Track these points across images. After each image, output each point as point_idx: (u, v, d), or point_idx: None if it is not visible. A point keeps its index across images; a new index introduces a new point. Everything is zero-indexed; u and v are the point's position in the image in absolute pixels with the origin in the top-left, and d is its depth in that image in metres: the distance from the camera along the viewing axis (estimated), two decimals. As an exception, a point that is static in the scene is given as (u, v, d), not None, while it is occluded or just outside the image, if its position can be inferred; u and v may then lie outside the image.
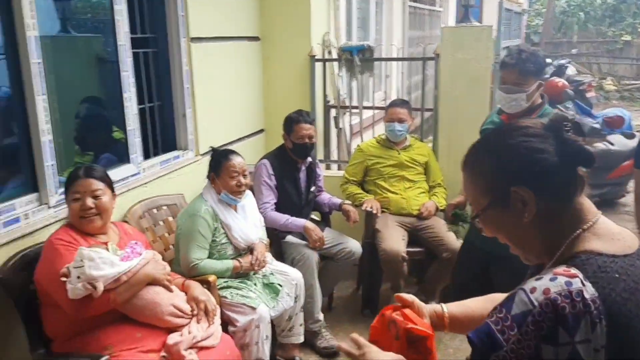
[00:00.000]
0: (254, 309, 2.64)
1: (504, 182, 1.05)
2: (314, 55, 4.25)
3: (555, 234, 1.06)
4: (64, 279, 2.06)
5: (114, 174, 2.72)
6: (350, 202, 3.58)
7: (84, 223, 2.28)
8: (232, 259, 2.79)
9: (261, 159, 3.34)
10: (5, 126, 2.78)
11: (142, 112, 3.21)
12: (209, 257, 2.73)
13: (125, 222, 2.71)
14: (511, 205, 1.05)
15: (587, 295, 0.92)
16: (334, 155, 4.63)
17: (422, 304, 1.32)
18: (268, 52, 4.32)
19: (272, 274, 2.90)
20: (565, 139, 1.05)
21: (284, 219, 3.21)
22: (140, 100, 3.20)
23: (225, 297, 2.67)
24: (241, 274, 2.80)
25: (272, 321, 2.96)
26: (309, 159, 3.41)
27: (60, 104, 3.03)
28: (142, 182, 3.03)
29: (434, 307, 1.33)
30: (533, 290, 0.95)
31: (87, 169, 2.36)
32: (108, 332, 2.17)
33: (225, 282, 2.73)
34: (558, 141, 1.05)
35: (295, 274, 3.00)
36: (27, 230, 2.35)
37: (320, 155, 4.43)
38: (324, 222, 3.64)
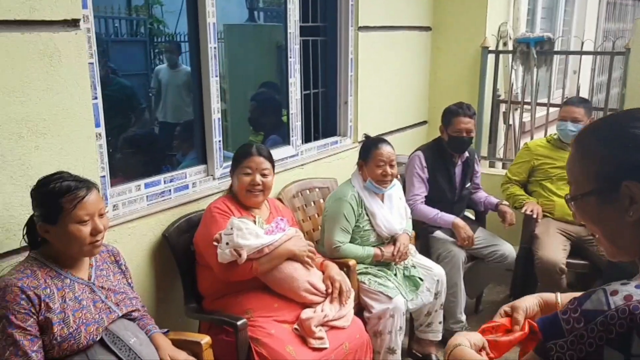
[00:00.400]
0: (390, 298, 2.64)
1: (617, 173, 0.95)
2: (487, 47, 4.06)
3: None
4: (215, 243, 2.28)
5: (275, 153, 2.91)
6: (508, 203, 3.37)
7: (248, 197, 2.47)
8: (374, 246, 2.82)
9: (415, 150, 3.29)
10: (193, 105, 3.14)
11: (307, 98, 3.38)
12: (352, 241, 2.78)
13: (279, 199, 2.89)
14: (617, 199, 0.95)
15: None
16: (500, 153, 4.38)
17: (518, 302, 1.29)
18: (439, 42, 4.24)
19: (414, 266, 2.87)
20: None
21: (433, 213, 3.14)
22: (307, 86, 3.37)
23: (364, 283, 2.70)
24: (382, 263, 2.82)
25: (411, 314, 2.94)
26: (467, 154, 3.28)
27: (232, 85, 3.32)
28: (298, 163, 3.20)
29: (547, 297, 1.31)
30: (614, 293, 0.88)
31: (258, 148, 2.54)
32: (250, 297, 2.35)
33: (365, 267, 2.77)
34: None
35: (438, 270, 2.93)
36: (193, 197, 2.63)
37: (484, 151, 4.23)
38: (478, 222, 3.48)
